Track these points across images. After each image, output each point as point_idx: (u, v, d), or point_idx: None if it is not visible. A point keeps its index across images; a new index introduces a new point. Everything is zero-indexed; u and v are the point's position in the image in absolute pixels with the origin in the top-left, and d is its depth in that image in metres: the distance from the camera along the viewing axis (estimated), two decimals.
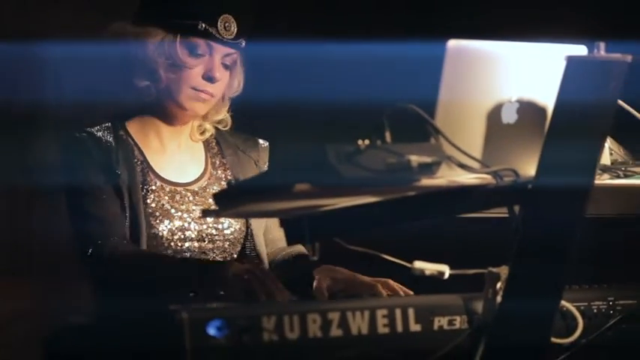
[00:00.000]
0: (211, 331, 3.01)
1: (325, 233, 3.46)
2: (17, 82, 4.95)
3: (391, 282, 3.56)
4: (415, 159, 3.01)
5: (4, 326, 4.83)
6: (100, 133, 3.66)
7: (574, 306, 3.24)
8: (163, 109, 3.70)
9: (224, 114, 3.77)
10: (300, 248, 3.80)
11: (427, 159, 3.03)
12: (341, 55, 4.33)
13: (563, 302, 3.19)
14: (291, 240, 3.49)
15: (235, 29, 3.61)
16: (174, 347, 3.00)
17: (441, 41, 3.11)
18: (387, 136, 3.04)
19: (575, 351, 3.22)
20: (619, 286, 3.35)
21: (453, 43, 3.11)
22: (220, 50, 3.64)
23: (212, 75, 3.63)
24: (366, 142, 2.98)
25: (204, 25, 3.59)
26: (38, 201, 4.86)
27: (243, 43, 3.66)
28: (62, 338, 3.30)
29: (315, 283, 3.59)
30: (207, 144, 3.81)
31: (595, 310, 3.27)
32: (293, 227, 3.31)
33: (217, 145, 3.80)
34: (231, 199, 3.20)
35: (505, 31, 3.25)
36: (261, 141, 3.86)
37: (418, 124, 3.10)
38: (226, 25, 3.60)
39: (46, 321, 4.13)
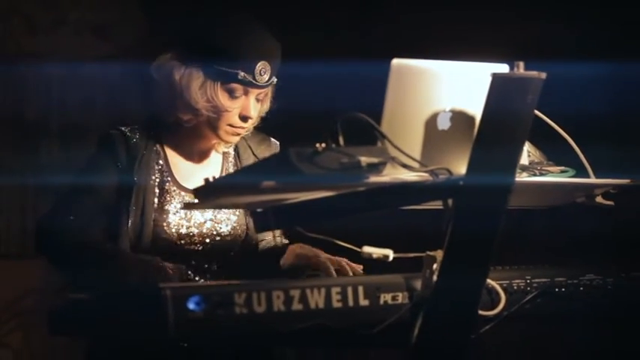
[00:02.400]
0: (191, 305, 3.00)
1: (288, 222, 3.48)
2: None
3: (344, 261, 3.56)
4: (364, 159, 3.03)
5: (17, 299, 4.82)
6: (131, 134, 3.65)
7: (498, 284, 3.24)
8: (201, 133, 3.64)
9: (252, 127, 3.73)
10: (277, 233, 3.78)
11: (374, 159, 3.04)
12: (303, 72, 4.33)
13: (488, 280, 3.20)
14: (259, 228, 3.52)
15: (269, 74, 3.59)
16: (160, 319, 2.99)
17: (387, 60, 3.14)
18: (341, 140, 3.04)
19: (498, 321, 3.23)
20: (535, 267, 3.36)
21: (395, 62, 3.13)
22: (255, 91, 3.60)
23: (247, 115, 3.56)
24: (323, 145, 3.00)
25: (243, 74, 3.55)
26: (45, 195, 4.84)
27: (275, 81, 3.62)
28: (63, 310, 3.28)
29: (282, 262, 3.59)
30: (225, 156, 3.78)
31: (515, 287, 3.28)
32: (260, 217, 3.33)
33: (235, 152, 3.76)
34: (209, 193, 3.22)
35: (440, 52, 3.27)
36: (273, 140, 3.83)
37: (367, 130, 3.11)
38: (262, 70, 3.55)
39: (51, 296, 4.12)
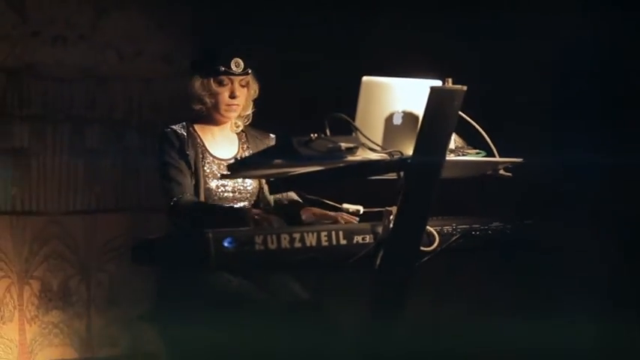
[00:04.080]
0: (226, 244, 3.01)
1: (292, 187, 3.53)
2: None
3: (345, 215, 3.54)
4: (344, 145, 3.04)
5: (114, 238, 4.82)
6: (178, 129, 3.62)
7: (433, 229, 3.24)
8: (212, 117, 3.64)
9: (249, 111, 3.71)
10: (293, 195, 3.78)
11: (350, 145, 3.06)
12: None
13: (427, 227, 3.21)
14: (272, 191, 3.53)
15: (242, 65, 3.61)
16: (205, 254, 3.01)
17: (359, 78, 3.15)
18: (328, 132, 3.06)
19: (433, 255, 3.23)
20: (459, 217, 3.35)
21: (365, 78, 3.14)
22: (237, 79, 3.61)
23: (234, 95, 3.62)
24: (315, 135, 3.02)
25: (223, 68, 3.59)
26: (142, 172, 4.84)
27: (250, 71, 3.64)
28: (140, 247, 3.32)
29: (303, 217, 3.59)
30: (239, 136, 3.73)
31: (445, 231, 3.27)
32: (273, 184, 3.35)
33: (245, 137, 3.74)
34: (237, 168, 3.25)
35: (396, 71, 3.27)
36: (272, 135, 3.77)
37: (345, 125, 3.12)
38: (236, 63, 3.60)
39: (132, 238, 4.13)
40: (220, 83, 3.61)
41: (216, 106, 3.63)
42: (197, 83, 3.62)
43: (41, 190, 4.70)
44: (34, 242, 4.69)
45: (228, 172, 3.25)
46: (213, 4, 4.91)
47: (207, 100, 3.62)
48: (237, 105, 3.64)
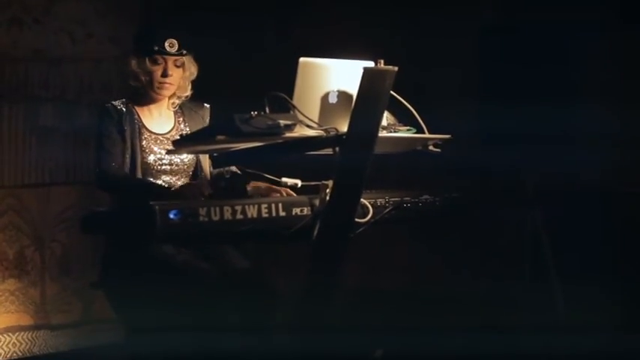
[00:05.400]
0: (171, 215, 2.95)
1: (233, 162, 3.47)
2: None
3: (284, 190, 3.47)
4: (282, 122, 3.01)
5: (66, 210, 4.72)
6: (117, 105, 3.54)
7: (367, 201, 3.20)
8: (148, 94, 3.59)
9: (188, 92, 3.63)
10: (234, 168, 3.70)
11: (289, 122, 3.02)
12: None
13: (361, 199, 3.17)
14: (215, 166, 3.45)
15: (177, 46, 3.53)
16: (151, 225, 2.94)
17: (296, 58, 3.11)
18: (267, 109, 3.02)
19: (367, 226, 3.19)
20: (390, 190, 3.31)
21: (302, 59, 3.10)
22: (171, 59, 3.53)
23: (166, 74, 3.54)
24: (256, 112, 2.97)
25: (157, 47, 3.51)
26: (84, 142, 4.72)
27: (184, 52, 3.55)
28: (89, 217, 3.26)
29: (249, 190, 3.52)
30: (175, 112, 3.68)
31: (378, 203, 3.24)
32: (217, 159, 3.28)
33: (181, 110, 3.67)
34: (181, 144, 3.18)
35: (331, 53, 3.21)
36: (206, 105, 3.69)
37: (284, 103, 3.07)
38: (170, 44, 3.53)
39: (83, 210, 4.03)
40: (155, 62, 3.54)
41: (150, 84, 3.56)
42: (134, 62, 3.56)
43: None
44: None
45: (173, 148, 3.16)
46: None
47: (142, 77, 3.55)
48: (170, 84, 3.57)
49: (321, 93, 3.12)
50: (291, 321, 3.20)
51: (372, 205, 3.20)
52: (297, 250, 3.14)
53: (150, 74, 3.54)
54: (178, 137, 3.30)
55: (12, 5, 4.57)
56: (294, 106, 3.05)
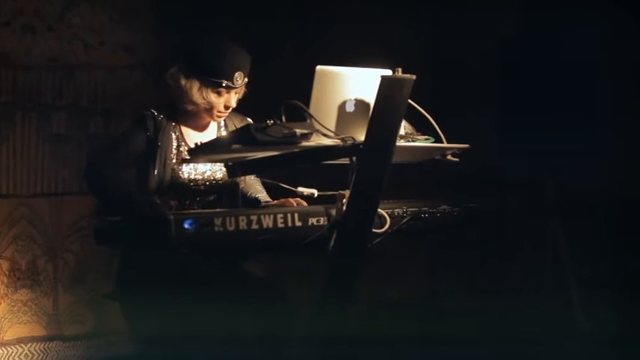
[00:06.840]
0: (186, 225, 2.95)
1: (249, 171, 3.47)
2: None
3: (297, 200, 3.46)
4: (299, 131, 3.00)
5: (76, 221, 4.72)
6: (158, 116, 3.47)
7: (385, 211, 3.19)
8: (200, 115, 3.47)
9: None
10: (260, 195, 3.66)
11: (305, 131, 3.02)
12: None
13: (379, 210, 3.16)
14: (230, 175, 3.41)
15: (242, 79, 3.46)
16: (166, 234, 2.94)
17: (313, 67, 3.10)
18: (284, 118, 3.01)
19: (385, 236, 3.18)
20: (408, 200, 3.30)
21: (319, 67, 3.09)
22: (234, 90, 3.47)
23: (229, 105, 3.46)
24: (272, 121, 2.97)
25: (225, 83, 3.43)
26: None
27: (246, 80, 3.48)
28: (102, 228, 3.25)
29: None
30: (219, 125, 3.60)
31: (396, 214, 3.23)
32: (231, 168, 3.25)
33: (225, 124, 3.62)
34: (197, 153, 3.17)
35: (348, 62, 3.20)
36: (248, 119, 3.64)
37: (300, 112, 3.07)
38: (238, 77, 3.43)
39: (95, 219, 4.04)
40: (219, 94, 3.48)
41: (208, 111, 3.50)
42: (195, 89, 3.46)
43: (10, 173, 4.61)
44: (3, 224, 4.61)
45: (189, 157, 3.16)
46: None
47: (201, 104, 3.48)
48: (228, 113, 3.54)
49: (338, 101, 3.10)
50: (306, 332, 3.20)
51: (389, 215, 3.19)
52: (314, 260, 3.13)
53: (210, 103, 3.48)
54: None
55: (25, 12, 4.59)
56: (311, 115, 3.04)
